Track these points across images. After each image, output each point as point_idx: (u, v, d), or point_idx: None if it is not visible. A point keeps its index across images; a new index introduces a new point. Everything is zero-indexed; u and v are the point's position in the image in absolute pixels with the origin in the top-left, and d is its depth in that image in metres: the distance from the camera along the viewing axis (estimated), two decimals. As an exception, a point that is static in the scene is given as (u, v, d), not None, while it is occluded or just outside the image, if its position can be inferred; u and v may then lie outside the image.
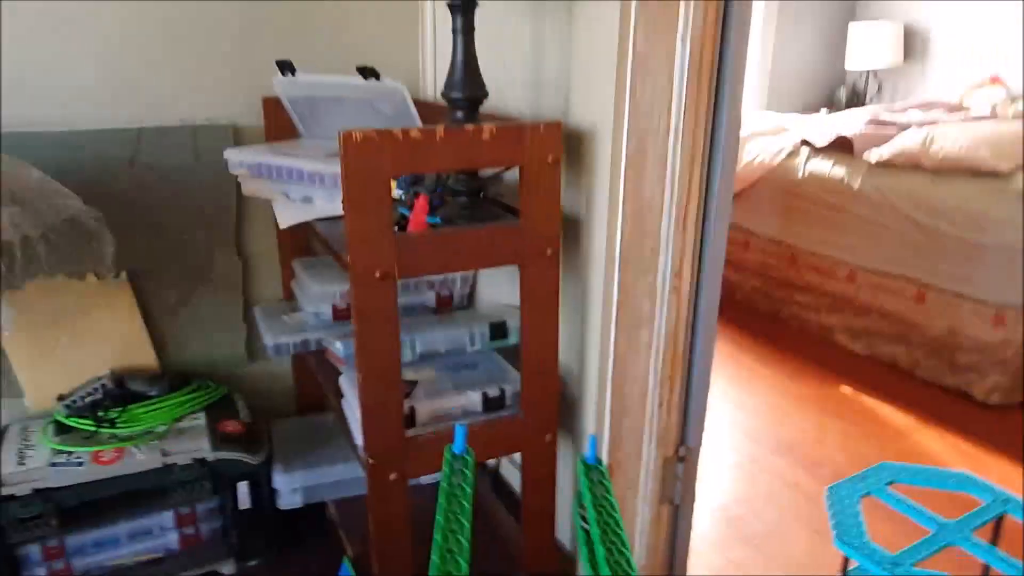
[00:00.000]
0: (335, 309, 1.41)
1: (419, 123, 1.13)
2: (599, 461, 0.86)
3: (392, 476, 1.13)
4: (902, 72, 4.26)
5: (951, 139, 2.36)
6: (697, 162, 1.16)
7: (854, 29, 4.22)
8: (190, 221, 1.56)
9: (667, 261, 1.19)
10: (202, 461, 1.38)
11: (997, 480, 1.86)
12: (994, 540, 0.95)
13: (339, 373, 1.29)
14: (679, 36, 1.08)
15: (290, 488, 1.50)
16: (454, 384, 1.22)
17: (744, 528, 1.67)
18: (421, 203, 1.07)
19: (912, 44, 4.20)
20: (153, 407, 1.44)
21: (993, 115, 2.91)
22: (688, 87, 1.10)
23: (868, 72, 4.33)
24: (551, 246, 1.13)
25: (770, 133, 3.10)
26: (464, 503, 0.74)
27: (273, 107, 1.52)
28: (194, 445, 1.39)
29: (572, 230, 1.26)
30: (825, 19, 4.45)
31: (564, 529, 1.44)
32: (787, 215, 2.82)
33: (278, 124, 1.53)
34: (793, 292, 2.86)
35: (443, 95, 1.12)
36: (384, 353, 1.06)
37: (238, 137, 1.55)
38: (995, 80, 3.73)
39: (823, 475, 1.88)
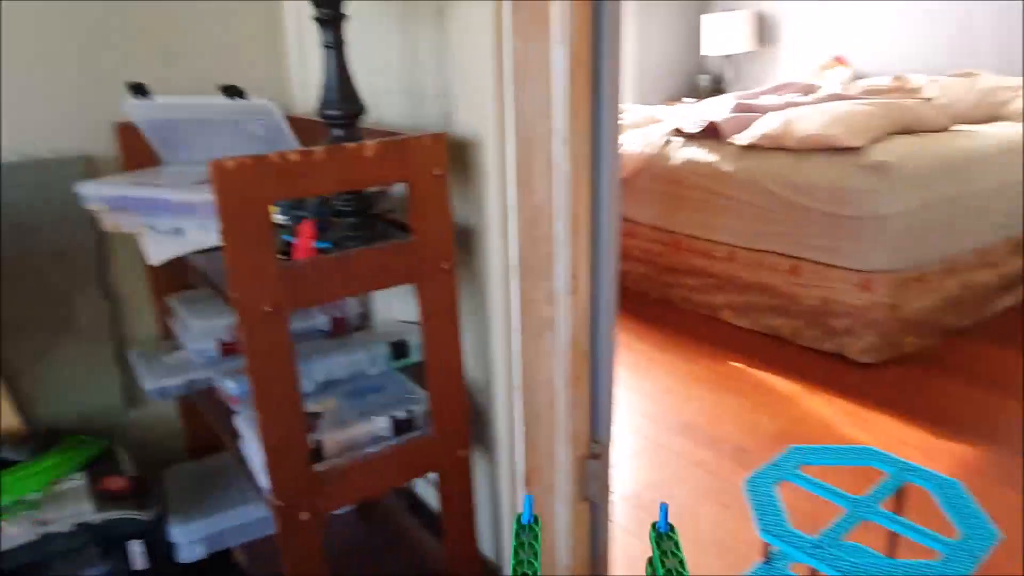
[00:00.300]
0: (222, 345, 1.32)
1: (294, 143, 1.07)
2: (671, 528, 0.86)
3: (303, 516, 1.07)
4: (757, 57, 4.51)
5: (808, 120, 2.51)
6: (583, 164, 1.17)
7: (707, 20, 4.43)
8: (44, 264, 1.42)
9: (563, 265, 1.19)
10: (86, 526, 1.26)
11: (878, 432, 2.00)
12: (898, 508, 1.01)
13: (233, 413, 1.21)
14: (553, 38, 1.08)
15: (189, 540, 1.40)
16: (360, 411, 1.17)
17: (655, 512, 1.71)
18: (307, 228, 1.02)
19: (764, 30, 4.45)
20: (21, 473, 1.30)
21: (843, 93, 3.12)
22: (569, 89, 1.10)
23: (725, 59, 4.55)
24: (446, 260, 1.11)
25: (643, 124, 3.20)
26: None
27: (129, 134, 1.40)
28: (75, 509, 1.27)
29: (466, 241, 1.24)
30: (680, 11, 4.64)
31: (486, 539, 1.42)
32: (667, 202, 2.92)
33: (136, 151, 1.41)
34: (679, 276, 2.96)
35: (319, 113, 1.07)
36: (282, 388, 1.00)
37: (92, 169, 1.43)
38: (840, 60, 4.02)
39: (725, 450, 1.96)
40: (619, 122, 1.22)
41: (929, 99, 3.01)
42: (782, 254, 2.57)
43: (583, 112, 1.13)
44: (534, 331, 1.20)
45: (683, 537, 1.62)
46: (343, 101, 1.04)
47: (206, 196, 0.97)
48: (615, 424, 1.62)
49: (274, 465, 1.03)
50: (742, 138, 2.66)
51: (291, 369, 1.01)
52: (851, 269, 2.38)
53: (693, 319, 2.86)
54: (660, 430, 2.08)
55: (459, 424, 1.20)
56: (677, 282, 2.98)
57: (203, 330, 1.32)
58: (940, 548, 0.86)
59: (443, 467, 1.21)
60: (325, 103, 1.05)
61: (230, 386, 1.22)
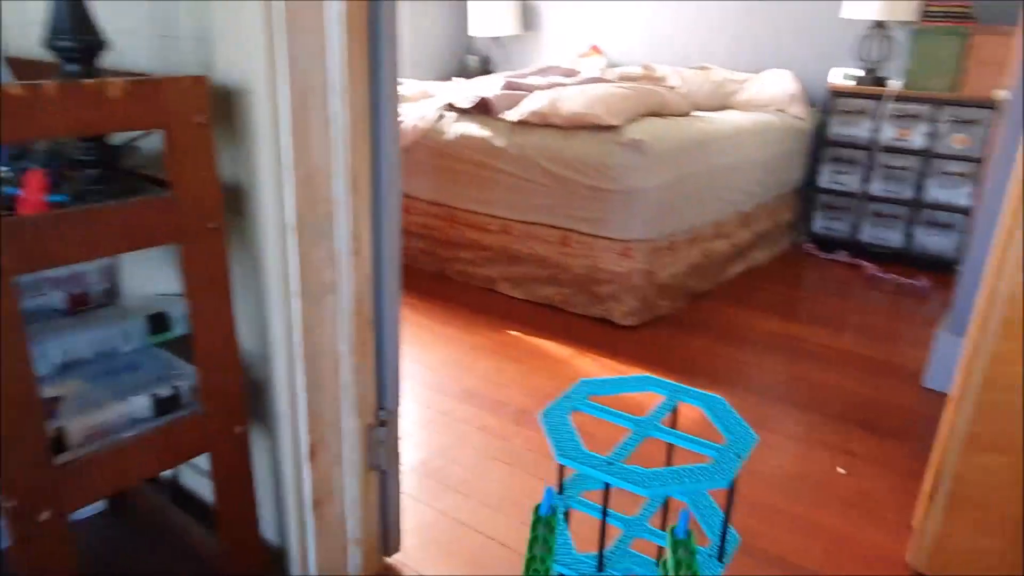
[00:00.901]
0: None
1: (10, 79, 0.91)
2: (690, 535, 0.83)
3: (44, 516, 0.92)
4: (522, 41, 4.69)
5: (572, 100, 2.65)
6: (362, 118, 1.12)
7: (473, 3, 4.52)
8: None
9: (344, 224, 1.14)
10: None
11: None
12: (674, 424, 1.10)
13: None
14: (327, -16, 1.02)
15: None
16: (113, 392, 1.03)
17: (447, 477, 1.72)
18: (36, 179, 0.87)
19: (528, 16, 4.63)
20: None
21: (602, 77, 3.34)
22: (345, 39, 1.04)
23: (493, 40, 4.68)
24: (213, 219, 1.01)
25: (417, 99, 3.18)
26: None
27: None
28: None
29: (236, 200, 1.14)
30: (451, -10, 4.67)
31: (268, 524, 1.33)
32: (443, 177, 2.94)
33: None
34: (456, 250, 3.00)
35: (47, 45, 0.91)
36: (10, 369, 0.85)
37: None
38: (596, 49, 4.30)
39: (508, 413, 2.02)
40: (398, 80, 1.19)
41: (673, 87, 3.33)
42: (552, 226, 2.71)
43: (360, 64, 1.09)
44: (315, 295, 1.14)
45: (470, 496, 1.63)
46: (78, 29, 0.89)
47: None
48: (401, 395, 1.60)
49: (4, 459, 0.87)
50: (512, 114, 2.75)
51: (20, 347, 0.86)
52: (614, 239, 2.57)
53: (471, 292, 2.92)
54: (445, 399, 2.09)
55: (234, 399, 1.10)
56: (455, 256, 3.02)
57: None
58: (711, 453, 0.95)
59: (217, 447, 1.11)
60: (54, 31, 0.89)
61: (-62, 375, 1.01)
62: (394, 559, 1.46)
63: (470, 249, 2.96)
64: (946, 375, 2.25)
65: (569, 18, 4.46)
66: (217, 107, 1.08)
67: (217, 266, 1.03)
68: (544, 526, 0.83)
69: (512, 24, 4.48)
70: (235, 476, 1.14)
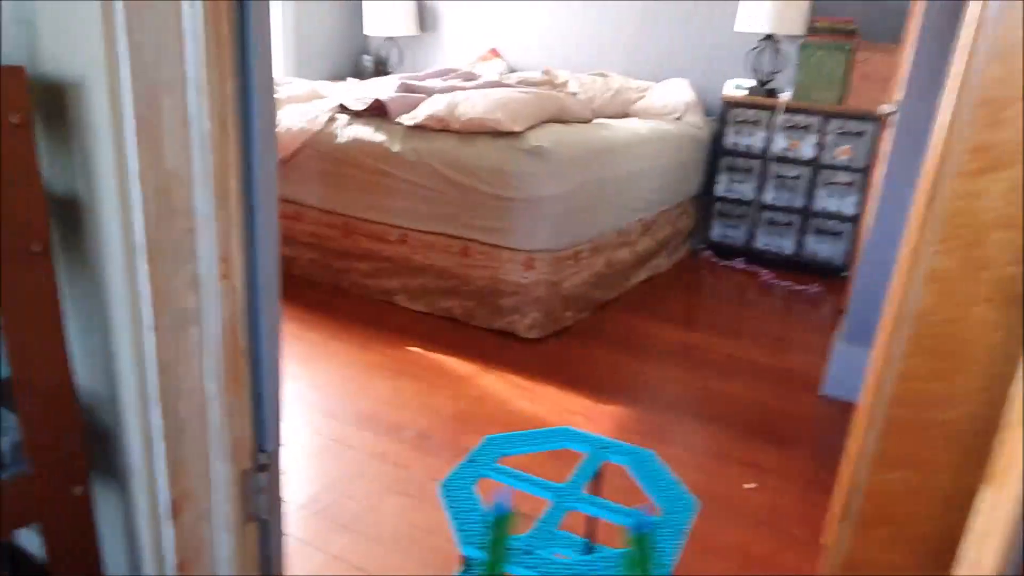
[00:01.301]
0: None
1: None
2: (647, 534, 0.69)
3: None
4: (419, 42, 4.55)
5: (471, 104, 2.54)
6: (229, 122, 0.97)
7: (367, 5, 4.34)
8: None
9: (209, 244, 0.98)
10: None
11: (547, 403, 2.10)
12: (598, 488, 1.00)
13: None
14: (182, -41, 0.86)
15: None
16: (-94, 455, 0.83)
17: (338, 515, 1.57)
18: None
19: (425, 16, 4.49)
20: None
21: (502, 81, 3.25)
22: (204, 22, 0.89)
23: (389, 40, 4.51)
24: (37, 240, 0.83)
25: (305, 99, 2.99)
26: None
27: None
28: None
29: (71, 215, 0.95)
30: (343, -13, 4.48)
31: (123, 594, 1.14)
32: (336, 183, 2.76)
33: None
34: (351, 261, 2.83)
35: None
36: None
37: None
38: (495, 53, 4.22)
39: (407, 438, 1.88)
40: (283, 79, 1.04)
41: (574, 93, 3.28)
42: (453, 236, 2.59)
43: (226, 55, 0.93)
44: (174, 326, 0.97)
45: (366, 536, 1.48)
46: None
47: None
48: (285, 424, 1.43)
49: None
50: (409, 119, 2.61)
51: None
52: (516, 249, 2.48)
53: (367, 305, 2.76)
54: (336, 424, 1.93)
55: (71, 454, 0.92)
56: (349, 267, 2.84)
57: None
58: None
59: (50, 513, 0.92)
60: None
61: None
62: (278, 617, 1.29)
63: (366, 260, 2.79)
64: (843, 383, 2.29)
65: (468, 20, 4.35)
66: (43, 104, 0.90)
67: (44, 295, 0.85)
68: (498, 528, 0.72)
69: (409, 24, 4.33)
70: (75, 545, 0.96)
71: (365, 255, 2.78)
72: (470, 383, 2.21)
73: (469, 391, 2.16)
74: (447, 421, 1.98)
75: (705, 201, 3.75)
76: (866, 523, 1.42)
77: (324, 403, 2.03)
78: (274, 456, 1.20)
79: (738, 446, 1.95)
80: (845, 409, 2.23)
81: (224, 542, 1.13)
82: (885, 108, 2.73)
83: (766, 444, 1.98)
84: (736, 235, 3.66)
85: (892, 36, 3.38)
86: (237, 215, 1.00)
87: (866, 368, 1.98)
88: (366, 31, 4.42)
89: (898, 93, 2.30)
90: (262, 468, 1.17)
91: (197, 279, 0.98)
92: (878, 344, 1.41)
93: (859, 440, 1.41)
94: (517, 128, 2.44)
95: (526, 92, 2.70)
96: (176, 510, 1.04)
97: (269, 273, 1.07)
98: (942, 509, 1.35)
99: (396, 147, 2.60)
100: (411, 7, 4.33)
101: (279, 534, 1.25)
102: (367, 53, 4.65)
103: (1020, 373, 1.12)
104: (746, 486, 1.78)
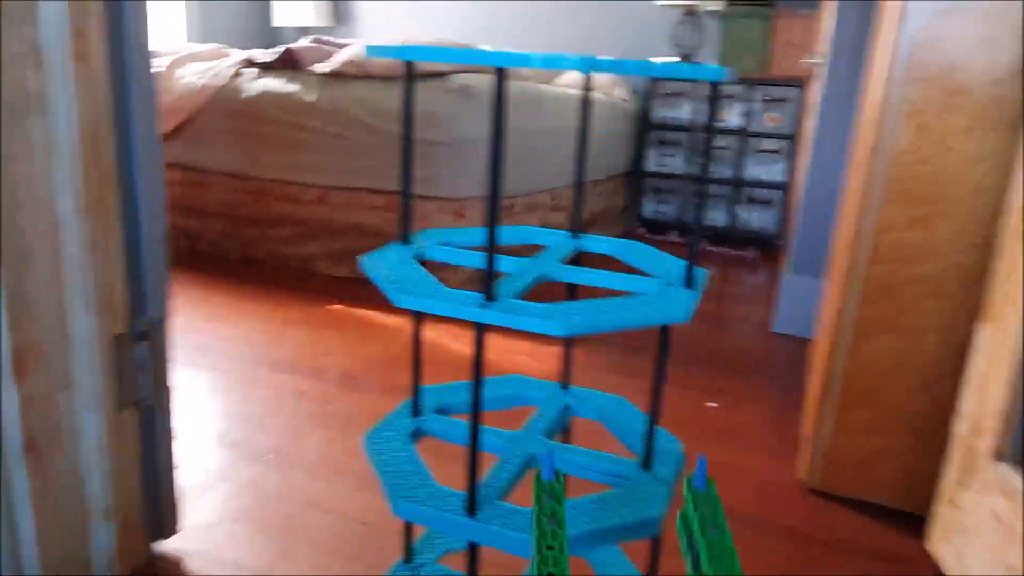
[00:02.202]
0: None
1: None
2: (710, 483, 0.48)
3: None
4: (334, 34, 4.38)
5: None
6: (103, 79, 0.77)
7: (282, -12, 4.17)
8: None
9: (59, 9, 0.77)
10: None
11: (488, 347, 1.91)
12: (567, 439, 0.83)
13: None
14: None
15: None
16: None
17: (252, 448, 1.32)
18: None
19: (340, 7, 4.34)
20: None
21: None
22: None
23: (300, 32, 4.33)
24: None
25: (208, 58, 2.76)
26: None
27: None
28: None
29: None
30: (252, -26, 4.29)
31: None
32: (244, 143, 2.53)
33: None
34: (265, 228, 2.59)
35: None
36: None
37: None
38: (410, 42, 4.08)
39: (331, 377, 1.65)
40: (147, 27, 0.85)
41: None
42: (377, 190, 2.39)
43: None
44: (8, 110, 0.75)
45: (285, 465, 1.23)
46: None
47: None
48: (188, 360, 1.20)
49: None
50: (324, 66, 2.43)
51: None
52: (445, 198, 2.30)
53: (285, 274, 2.51)
54: (250, 367, 1.68)
55: None
56: (263, 235, 2.60)
57: None
58: (620, 477, 0.69)
59: None
60: None
61: None
62: (170, 544, 1.04)
63: (281, 225, 2.56)
64: (794, 320, 2.19)
65: (384, 10, 4.23)
66: None
67: None
68: (548, 495, 0.54)
69: (322, 15, 4.16)
70: None
71: (280, 220, 2.55)
72: (402, 332, 2.00)
73: (400, 339, 1.95)
74: (376, 364, 1.76)
75: (636, 179, 3.68)
76: (848, 405, 1.28)
77: (234, 350, 1.78)
78: (159, 327, 0.97)
79: (695, 377, 1.81)
80: (798, 343, 2.12)
81: (90, 424, 0.88)
82: (811, 59, 2.72)
83: (723, 373, 1.84)
84: (668, 211, 3.60)
85: (809, 3, 3.43)
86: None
87: (819, 301, 1.88)
88: (275, 22, 4.23)
89: (821, 47, 2.27)
90: (141, 337, 0.94)
91: (38, 52, 0.76)
92: (848, 201, 1.29)
93: (835, 310, 1.28)
94: (442, 68, 2.29)
95: (446, 41, 2.56)
96: (20, 367, 0.80)
97: (140, 62, 0.86)
98: (928, 379, 1.23)
99: (311, 97, 2.40)
100: (325, -4, 4.17)
101: (168, 431, 1.01)
102: (276, 45, 4.45)
103: (1020, 178, 1.01)
104: (709, 405, 1.63)
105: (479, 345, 0.60)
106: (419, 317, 0.78)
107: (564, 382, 0.87)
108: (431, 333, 2.00)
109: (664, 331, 0.68)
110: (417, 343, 0.79)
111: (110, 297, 0.88)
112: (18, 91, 0.75)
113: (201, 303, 2.14)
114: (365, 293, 2.34)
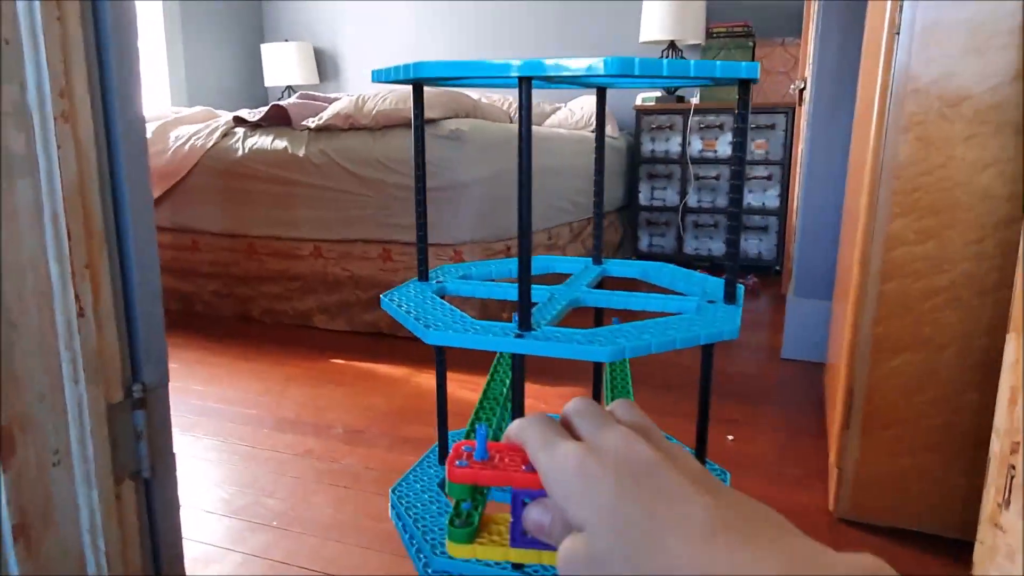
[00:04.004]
0: None
1: None
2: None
3: None
4: (320, 90, 4.43)
5: (380, 98, 2.39)
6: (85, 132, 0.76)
7: (266, 49, 4.22)
8: None
9: (39, 62, 0.75)
10: None
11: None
12: None
13: None
14: None
15: None
16: None
17: (257, 514, 1.27)
18: None
19: (326, 65, 4.39)
20: None
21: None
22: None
23: (287, 89, 4.37)
24: None
25: (198, 119, 2.77)
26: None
27: None
28: None
29: None
30: (236, 38, 4.35)
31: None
32: (236, 203, 2.52)
33: None
34: (259, 286, 2.56)
35: None
36: None
37: None
38: (400, 91, 4.12)
39: (336, 433, 1.60)
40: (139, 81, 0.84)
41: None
42: (371, 240, 2.37)
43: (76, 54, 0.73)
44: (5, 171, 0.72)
45: (299, 525, 1.18)
46: None
47: None
48: (180, 436, 1.16)
49: None
50: (313, 120, 2.43)
51: None
52: (441, 244, 2.28)
53: (282, 331, 2.47)
54: (252, 429, 1.63)
55: None
56: (257, 293, 2.56)
57: None
58: None
59: None
60: None
61: None
62: (176, 622, 0.98)
63: (276, 282, 2.53)
64: (802, 345, 2.15)
65: (369, 65, 4.27)
66: None
67: None
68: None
69: (308, 73, 4.21)
70: None
71: (274, 277, 2.52)
72: (405, 382, 1.96)
73: (404, 389, 1.90)
74: (382, 416, 1.71)
75: (630, 213, 3.68)
76: (871, 427, 1.24)
77: (235, 413, 1.73)
78: (157, 392, 0.93)
79: (713, 407, 1.76)
80: (809, 367, 2.09)
81: (87, 502, 0.84)
82: (798, 84, 2.74)
83: (737, 402, 1.79)
84: (664, 243, 3.59)
85: (786, 33, 3.48)
86: (79, 30, 0.77)
87: (828, 325, 1.85)
88: (267, 82, 4.27)
89: (805, 73, 2.29)
90: (139, 404, 0.90)
91: (23, 112, 0.74)
92: (852, 220, 1.27)
93: (850, 331, 1.25)
94: (432, 115, 2.29)
95: (438, 88, 2.58)
96: (8, 443, 0.75)
97: (130, 120, 0.83)
98: (951, 393, 1.19)
99: (301, 151, 2.39)
100: (309, 56, 4.22)
101: (172, 503, 0.96)
102: (268, 102, 4.49)
103: None
104: (728, 438, 1.58)
105: (519, 378, 0.57)
106: (441, 353, 0.74)
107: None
108: (433, 381, 1.95)
109: (707, 351, 0.64)
110: (443, 382, 0.75)
111: (103, 364, 0.84)
112: (2, 152, 0.73)
113: (198, 365, 2.10)
114: (364, 345, 2.30)
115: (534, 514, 0.33)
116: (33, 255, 0.75)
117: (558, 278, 0.76)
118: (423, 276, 0.71)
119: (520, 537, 0.38)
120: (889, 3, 1.15)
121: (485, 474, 0.36)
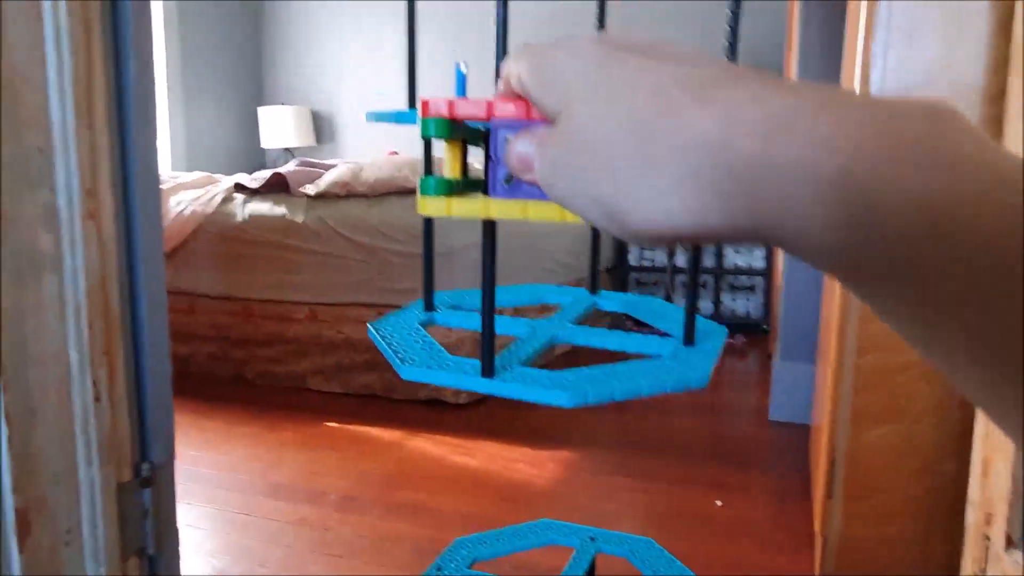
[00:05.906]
0: None
1: None
2: None
3: None
4: (319, 152, 4.54)
5: (376, 168, 2.47)
6: (93, 9, 0.83)
7: (264, 112, 4.34)
8: None
9: (70, 169, 0.80)
10: None
11: (485, 457, 1.89)
12: None
13: None
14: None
15: None
16: None
17: (252, 586, 1.29)
18: None
19: (321, 126, 4.51)
20: None
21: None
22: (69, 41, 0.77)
23: (285, 151, 4.48)
24: None
25: (199, 185, 2.84)
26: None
27: None
28: None
29: None
30: (234, 101, 4.47)
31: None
32: (234, 266, 2.57)
33: None
34: (254, 348, 2.59)
35: None
36: None
37: None
38: (393, 154, 4.24)
39: (330, 500, 1.62)
40: (156, 128, 0.92)
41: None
42: (367, 304, 2.42)
43: (100, 102, 0.80)
44: (21, 269, 0.77)
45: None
46: None
47: None
48: (186, 496, 1.18)
49: None
50: (311, 187, 2.51)
51: None
52: (435, 308, 2.33)
53: (276, 393, 2.50)
54: (246, 496, 1.65)
55: None
56: (252, 355, 2.59)
57: None
58: None
59: None
60: None
61: None
62: None
63: (271, 345, 2.56)
64: (789, 406, 2.20)
65: (364, 128, 4.39)
66: None
67: None
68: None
69: (304, 135, 4.32)
70: None
71: (270, 340, 2.56)
72: (398, 447, 1.98)
73: (396, 454, 1.93)
74: (375, 482, 1.74)
75: (620, 273, 3.75)
76: (854, 495, 1.28)
77: (229, 479, 1.75)
78: (164, 470, 0.96)
79: (697, 470, 1.80)
80: (795, 430, 2.13)
81: (96, 580, 0.86)
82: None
83: (726, 467, 1.83)
84: (653, 302, 3.65)
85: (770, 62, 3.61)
86: (105, 136, 0.83)
87: (814, 387, 1.90)
88: (263, 144, 4.37)
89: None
90: (146, 483, 0.93)
91: (51, 214, 0.80)
92: (831, 289, 1.34)
93: (831, 400, 1.30)
94: (425, 183, 2.36)
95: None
96: (23, 526, 0.79)
97: (149, 213, 0.89)
98: (929, 462, 1.23)
99: (299, 218, 2.46)
100: (306, 118, 4.34)
101: (173, 578, 0.99)
102: (264, 167, 4.58)
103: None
104: (716, 503, 1.62)
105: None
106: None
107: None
108: (428, 447, 1.98)
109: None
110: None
111: (115, 445, 0.88)
112: (31, 252, 0.78)
113: (191, 429, 2.12)
114: (358, 407, 2.33)
115: (519, 146, 0.28)
116: (56, 345, 0.80)
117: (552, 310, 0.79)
118: (428, 306, 0.74)
119: (500, 187, 0.32)
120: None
121: (462, 104, 0.31)
